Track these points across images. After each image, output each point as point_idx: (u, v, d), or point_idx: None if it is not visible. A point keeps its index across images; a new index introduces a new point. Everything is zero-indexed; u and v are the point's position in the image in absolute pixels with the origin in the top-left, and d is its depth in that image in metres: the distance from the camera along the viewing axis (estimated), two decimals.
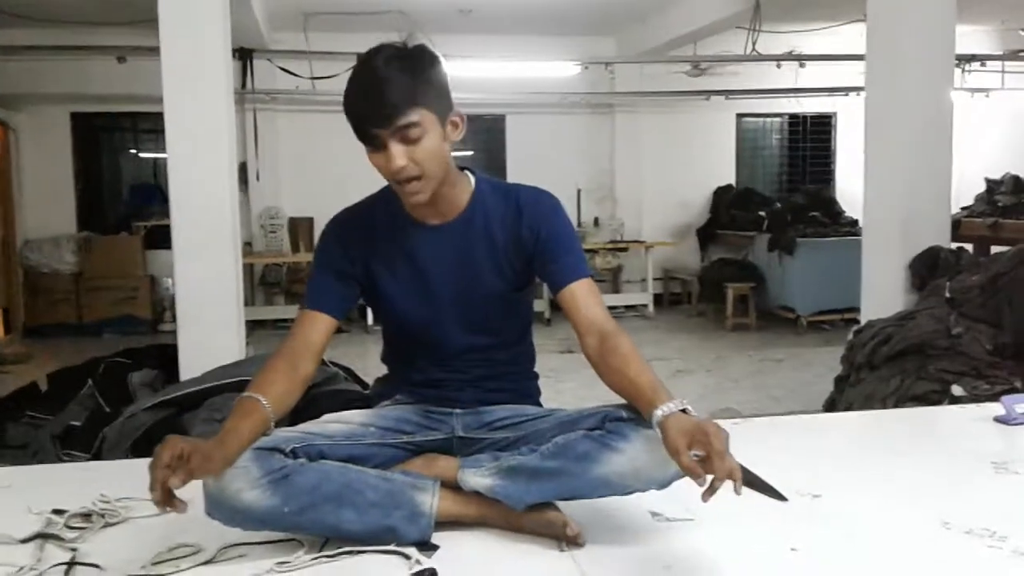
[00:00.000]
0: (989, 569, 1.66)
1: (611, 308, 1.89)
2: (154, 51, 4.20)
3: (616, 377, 1.72)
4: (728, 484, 1.46)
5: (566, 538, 1.76)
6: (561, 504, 1.81)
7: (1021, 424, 2.63)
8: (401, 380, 2.04)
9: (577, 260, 1.89)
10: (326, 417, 1.94)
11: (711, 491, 1.47)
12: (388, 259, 1.92)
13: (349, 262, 1.91)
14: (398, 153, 1.72)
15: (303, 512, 1.69)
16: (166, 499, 1.55)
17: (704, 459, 1.48)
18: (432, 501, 1.78)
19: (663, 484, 1.68)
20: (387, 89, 1.69)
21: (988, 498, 2.06)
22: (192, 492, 1.73)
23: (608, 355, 1.75)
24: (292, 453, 1.73)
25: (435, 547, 1.74)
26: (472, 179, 1.94)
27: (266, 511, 1.67)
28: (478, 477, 1.81)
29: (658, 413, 1.57)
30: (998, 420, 2.67)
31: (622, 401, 1.75)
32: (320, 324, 1.88)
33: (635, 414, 1.70)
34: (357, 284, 1.93)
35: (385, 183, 1.86)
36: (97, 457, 3.16)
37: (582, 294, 1.85)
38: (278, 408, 1.75)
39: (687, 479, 1.52)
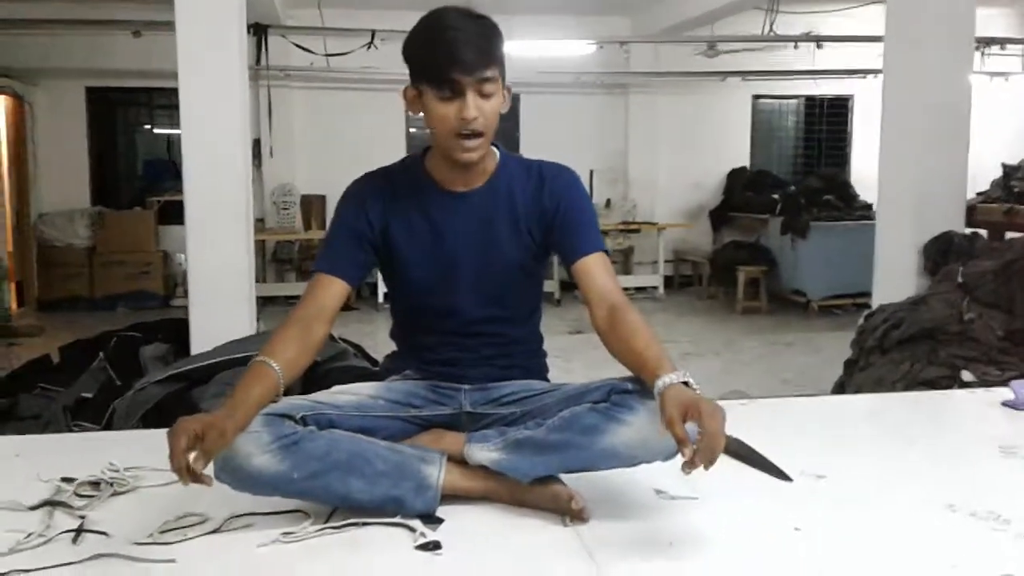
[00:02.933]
0: (992, 551, 1.65)
1: (622, 290, 1.90)
2: (170, 26, 4.19)
3: (623, 347, 1.74)
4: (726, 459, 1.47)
5: (571, 512, 1.76)
6: (566, 479, 1.82)
7: None
8: (410, 356, 2.04)
9: (594, 234, 1.92)
10: (335, 388, 1.95)
11: (690, 465, 1.50)
12: (408, 222, 1.93)
13: (368, 225, 1.92)
14: (473, 104, 1.77)
15: (312, 479, 1.70)
16: (196, 479, 1.55)
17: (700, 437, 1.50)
18: (439, 474, 1.79)
19: (669, 455, 1.69)
20: (478, 41, 1.77)
21: (994, 482, 2.06)
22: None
23: (617, 326, 1.77)
24: (302, 420, 1.75)
25: (440, 520, 1.75)
26: (497, 152, 1.97)
27: (275, 476, 1.68)
28: (484, 452, 1.82)
29: (659, 383, 1.59)
30: (1006, 405, 2.67)
31: (629, 374, 1.75)
32: (334, 288, 1.88)
33: (641, 386, 1.71)
34: (373, 249, 1.94)
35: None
36: (108, 429, 3.19)
37: (596, 267, 1.88)
38: (288, 373, 1.76)
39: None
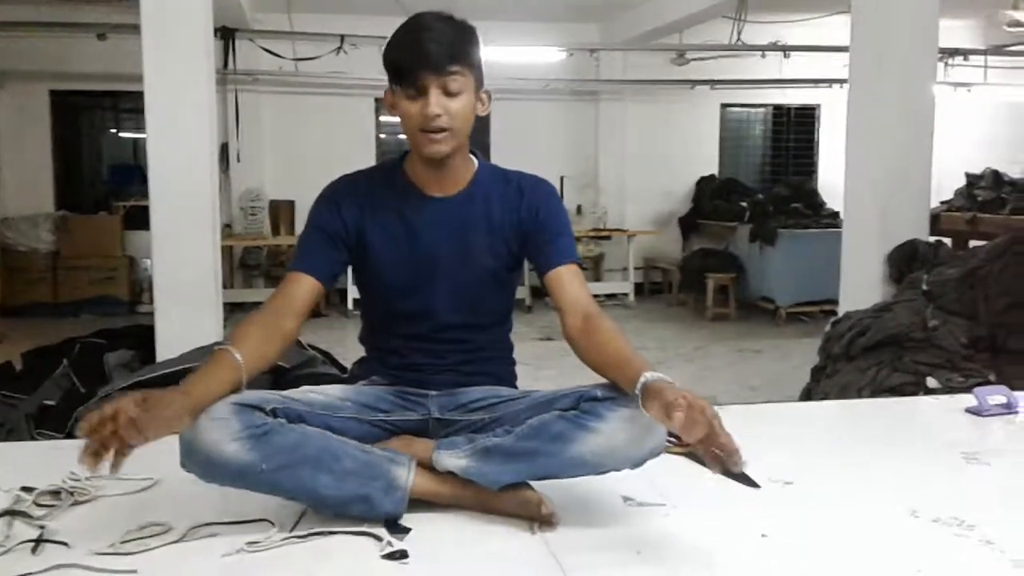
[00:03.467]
0: (955, 556, 1.67)
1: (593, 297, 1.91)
2: (135, 29, 4.17)
3: (598, 353, 1.75)
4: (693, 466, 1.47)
5: (540, 517, 1.76)
6: (535, 485, 1.81)
7: (993, 416, 2.65)
8: (378, 361, 2.04)
9: (568, 244, 1.95)
10: (305, 388, 1.94)
11: (715, 459, 1.49)
12: (383, 224, 1.93)
13: (342, 224, 1.92)
14: (436, 101, 1.78)
15: (280, 471, 1.68)
16: (96, 455, 1.49)
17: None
18: (408, 476, 1.78)
19: (637, 463, 1.70)
20: (442, 39, 1.78)
21: (957, 488, 2.08)
22: (160, 471, 1.73)
23: (593, 332, 1.78)
24: (272, 412, 1.73)
25: (407, 529, 1.74)
26: (475, 160, 1.99)
27: (243, 466, 1.66)
28: (453, 459, 1.81)
29: (643, 379, 1.59)
30: (970, 411, 2.70)
31: (599, 381, 1.76)
32: (305, 285, 1.88)
33: (611, 393, 1.71)
34: (347, 249, 1.93)
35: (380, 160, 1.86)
36: (71, 437, 3.14)
37: (569, 277, 1.89)
38: (252, 364, 1.75)
39: (662, 459, 1.52)
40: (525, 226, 1.93)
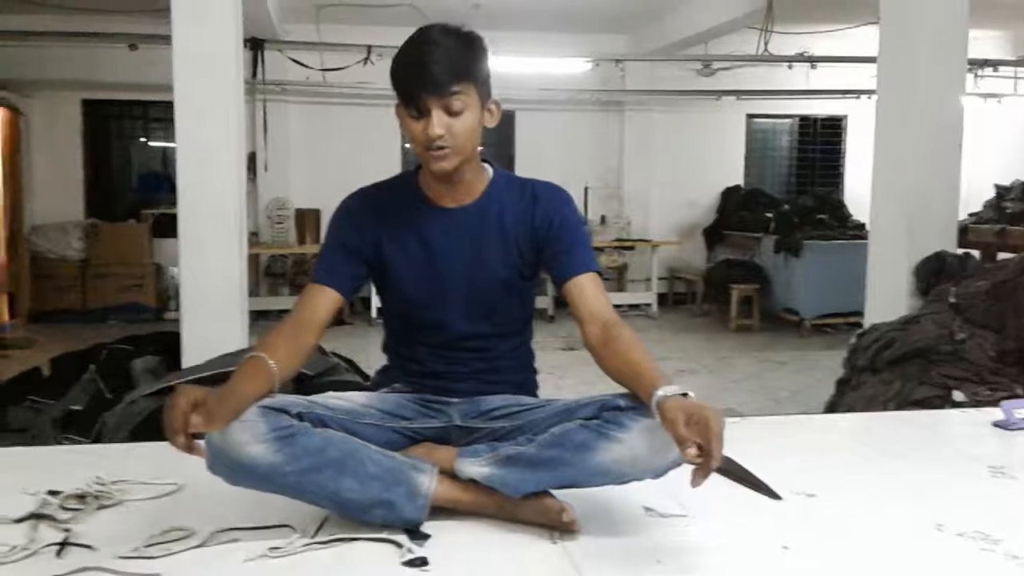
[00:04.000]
0: (980, 571, 1.65)
1: (615, 307, 1.90)
2: (166, 39, 4.20)
3: (617, 362, 1.74)
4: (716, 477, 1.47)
5: (562, 525, 1.76)
6: (556, 493, 1.81)
7: (1020, 429, 2.62)
8: (400, 369, 2.05)
9: (586, 254, 1.93)
10: (329, 393, 1.96)
11: (704, 472, 1.49)
12: (400, 238, 1.94)
13: (360, 239, 1.94)
14: (439, 122, 1.78)
15: (305, 474, 1.70)
16: (190, 444, 1.61)
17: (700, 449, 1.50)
18: (430, 483, 1.79)
19: (659, 473, 1.69)
20: (442, 58, 1.77)
21: (983, 502, 2.05)
22: (186, 477, 1.75)
23: (611, 342, 1.77)
24: (298, 416, 1.75)
25: (426, 536, 1.75)
26: (490, 170, 1.99)
27: (269, 468, 1.67)
28: (475, 466, 1.82)
29: (659, 394, 1.58)
30: (997, 425, 2.67)
31: (620, 391, 1.75)
32: (325, 299, 1.90)
33: (633, 403, 1.70)
34: (366, 263, 1.95)
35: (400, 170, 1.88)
36: (97, 442, 3.18)
37: (588, 286, 1.88)
38: (284, 372, 1.77)
39: (682, 470, 1.52)
40: (540, 235, 1.92)
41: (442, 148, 1.81)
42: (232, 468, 1.68)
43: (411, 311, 1.98)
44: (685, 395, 1.59)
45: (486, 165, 1.99)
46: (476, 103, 1.83)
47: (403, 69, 1.80)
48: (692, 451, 1.49)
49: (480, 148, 1.94)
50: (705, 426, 1.49)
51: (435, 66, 1.76)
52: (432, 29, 1.81)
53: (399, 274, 1.95)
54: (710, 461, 1.48)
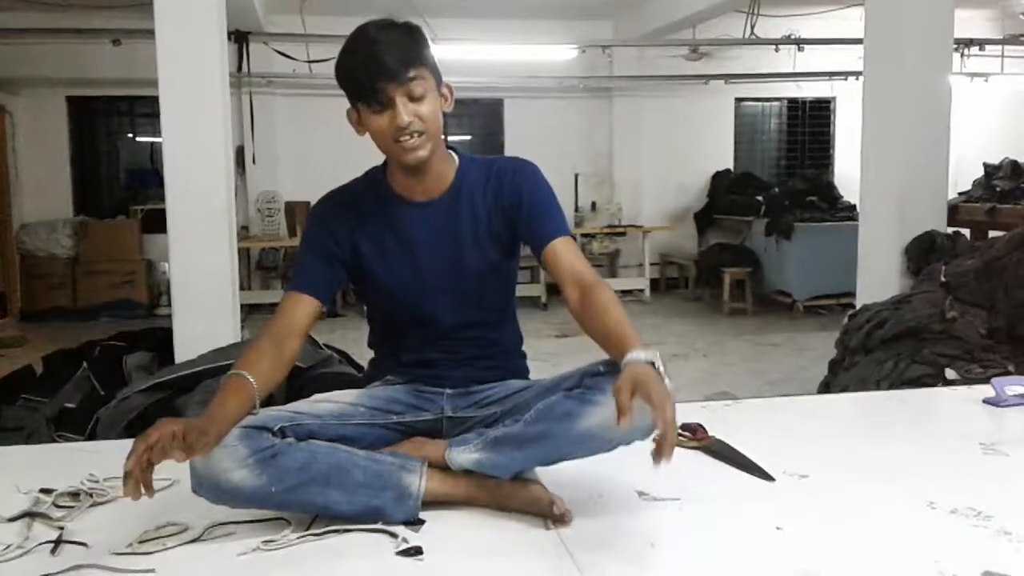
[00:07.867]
0: (973, 547, 1.66)
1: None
2: (149, 34, 4.18)
3: (595, 325, 1.75)
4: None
5: (552, 517, 1.76)
6: (548, 483, 1.82)
7: (1011, 406, 2.63)
8: (391, 360, 2.04)
9: (557, 220, 1.93)
10: (316, 397, 1.95)
11: (659, 454, 1.48)
12: (375, 237, 1.93)
13: (335, 243, 1.93)
14: (405, 109, 1.78)
15: (290, 492, 1.70)
16: (142, 487, 1.55)
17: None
18: (420, 482, 1.79)
19: (646, 433, 1.64)
20: (392, 48, 1.77)
21: (975, 479, 2.06)
22: (178, 472, 1.74)
23: (589, 306, 1.78)
24: (280, 432, 1.74)
25: (421, 521, 1.76)
26: (456, 157, 1.98)
27: (253, 490, 1.67)
28: (465, 454, 1.82)
29: (627, 357, 1.59)
30: (987, 402, 2.68)
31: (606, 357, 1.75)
32: (305, 306, 1.89)
33: (612, 368, 1.69)
34: (343, 266, 1.95)
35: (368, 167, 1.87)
36: (91, 439, 3.17)
37: (563, 250, 1.89)
38: (264, 386, 1.76)
39: (673, 455, 1.51)
40: (511, 213, 1.93)
41: (413, 135, 1.80)
42: (216, 493, 1.68)
43: (397, 308, 1.98)
44: (653, 364, 1.57)
45: (451, 152, 1.98)
46: (433, 87, 1.83)
47: (357, 66, 1.79)
48: (624, 424, 1.48)
49: (465, 138, 1.93)
50: (649, 396, 1.49)
51: (388, 56, 1.76)
52: (370, 25, 1.81)
53: (380, 273, 1.94)
54: (665, 439, 1.48)
